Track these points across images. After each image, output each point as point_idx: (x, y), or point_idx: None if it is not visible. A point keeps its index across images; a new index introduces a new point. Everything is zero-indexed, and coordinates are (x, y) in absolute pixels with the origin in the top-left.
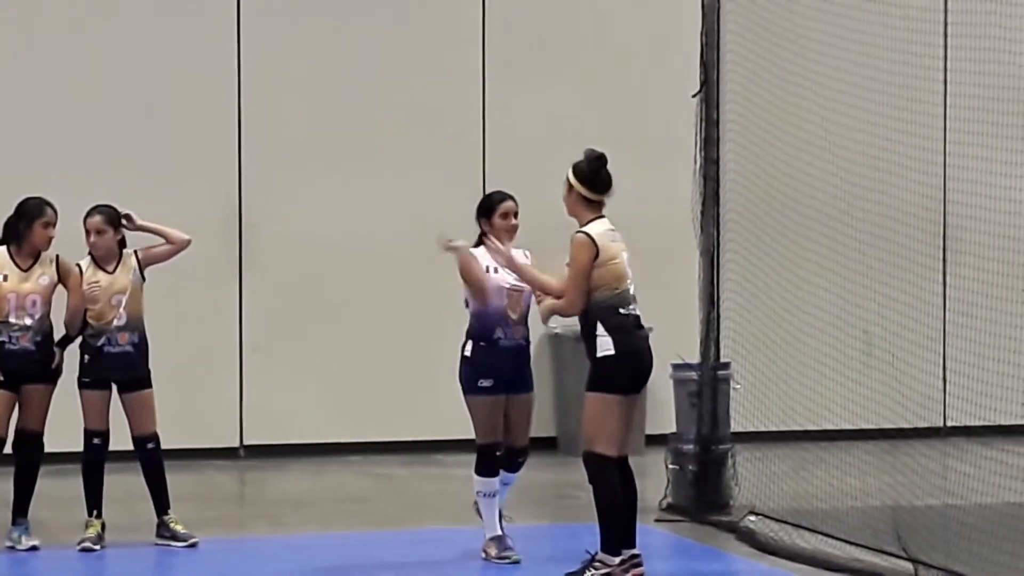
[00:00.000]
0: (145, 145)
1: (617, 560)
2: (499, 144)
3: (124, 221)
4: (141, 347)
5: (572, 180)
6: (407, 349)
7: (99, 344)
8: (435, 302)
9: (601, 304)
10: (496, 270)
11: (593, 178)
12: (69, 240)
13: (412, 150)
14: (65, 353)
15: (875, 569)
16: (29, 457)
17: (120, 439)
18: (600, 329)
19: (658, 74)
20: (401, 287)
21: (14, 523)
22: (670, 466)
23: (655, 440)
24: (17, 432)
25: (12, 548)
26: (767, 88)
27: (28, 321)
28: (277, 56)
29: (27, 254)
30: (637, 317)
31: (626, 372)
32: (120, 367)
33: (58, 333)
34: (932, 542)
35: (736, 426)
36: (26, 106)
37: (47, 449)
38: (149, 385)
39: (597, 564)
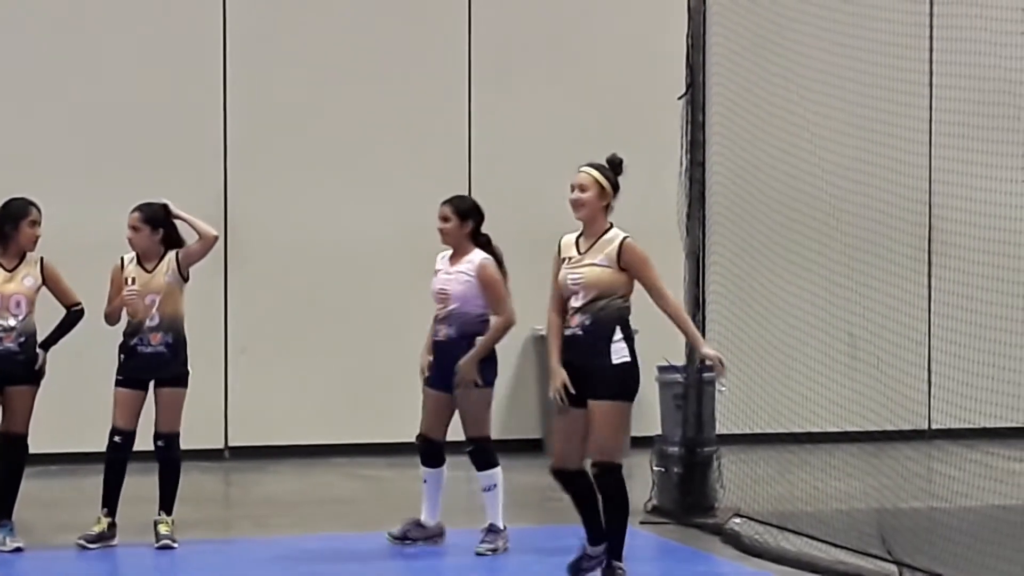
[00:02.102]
0: (129, 146)
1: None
2: (485, 147)
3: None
4: (175, 347)
5: (606, 184)
6: (393, 350)
7: (133, 343)
8: (420, 303)
9: (621, 309)
10: (435, 272)
11: (618, 184)
12: (52, 240)
13: (397, 152)
14: (52, 354)
15: (860, 571)
16: (13, 459)
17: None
18: (618, 334)
19: (644, 77)
20: (386, 288)
21: None
22: (655, 468)
23: (640, 442)
24: (1, 434)
25: None
26: (753, 91)
27: (12, 322)
28: (263, 57)
29: (12, 255)
30: None
31: (637, 380)
32: (152, 367)
33: (41, 334)
34: (917, 544)
35: (721, 428)
36: (8, 106)
37: (32, 450)
38: (182, 384)
39: (620, 571)
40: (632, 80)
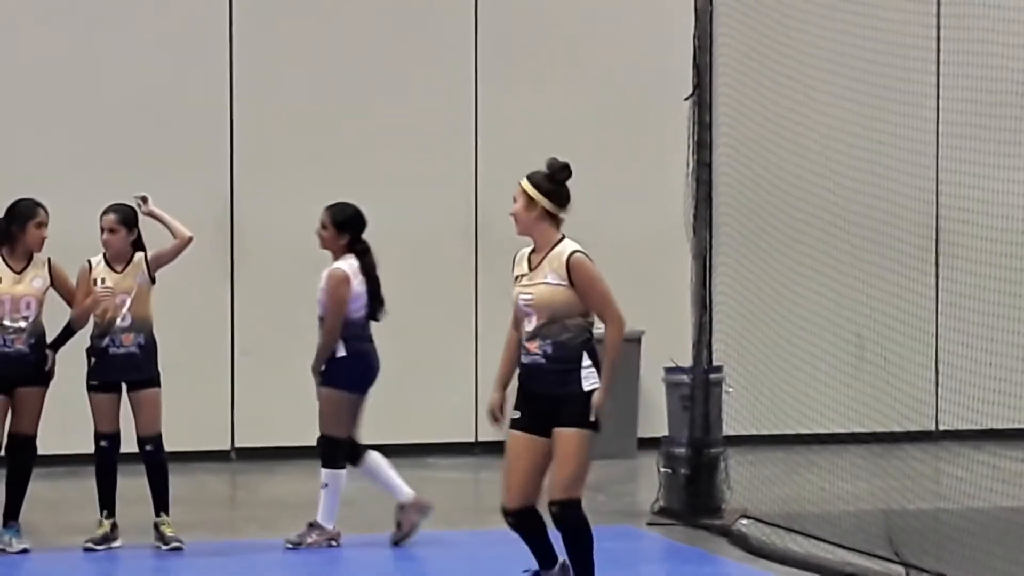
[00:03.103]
0: (135, 147)
1: None
2: (491, 148)
3: (140, 202)
4: (147, 348)
5: (535, 194)
6: (398, 352)
7: (103, 345)
8: (426, 305)
9: (586, 332)
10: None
11: (561, 191)
12: (57, 241)
13: (404, 153)
14: (61, 356)
15: (867, 573)
16: (22, 460)
17: (127, 441)
18: (586, 360)
19: (650, 77)
20: (392, 290)
21: (5, 525)
22: (662, 469)
23: (647, 443)
24: (10, 435)
25: (3, 551)
26: (759, 91)
27: (22, 324)
28: (269, 58)
29: (20, 256)
30: None
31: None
32: (125, 368)
33: (50, 335)
34: (924, 546)
35: (728, 430)
36: (13, 107)
37: (39, 451)
38: (156, 385)
39: None
40: (639, 81)
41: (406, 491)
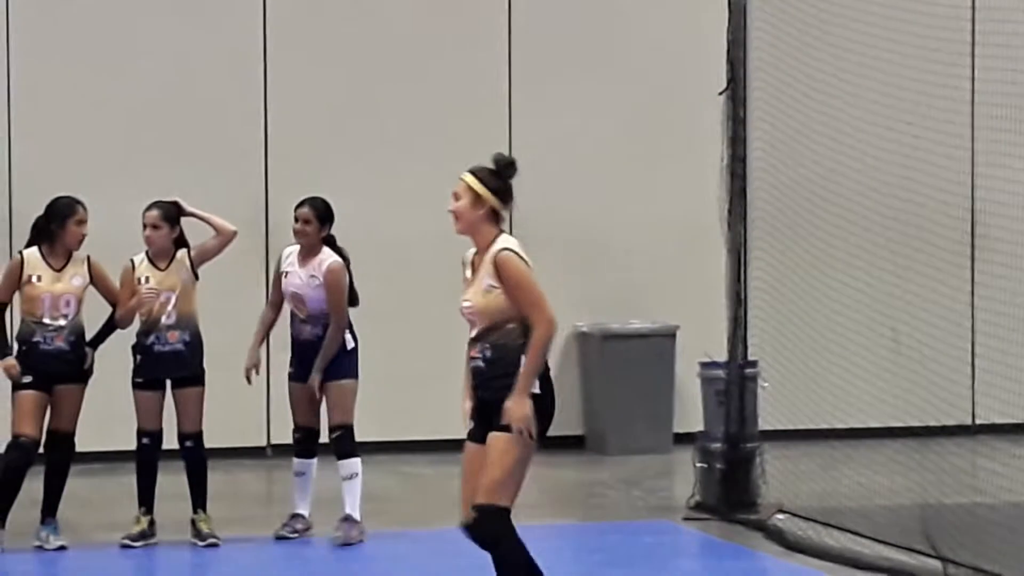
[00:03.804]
0: (170, 145)
1: None
2: (525, 143)
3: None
4: (193, 345)
5: (482, 191)
6: (434, 348)
7: (148, 342)
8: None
9: (522, 335)
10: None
11: (508, 188)
12: (94, 238)
13: (438, 147)
14: (101, 353)
15: (904, 568)
16: (60, 457)
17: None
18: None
19: (685, 71)
20: (428, 285)
21: (43, 522)
22: (698, 464)
23: (683, 438)
24: (49, 432)
25: (40, 547)
26: (794, 85)
27: (62, 322)
28: (303, 54)
29: (59, 254)
30: None
31: (548, 416)
32: (170, 365)
33: (89, 333)
34: (961, 540)
35: (764, 424)
36: (50, 104)
37: (78, 448)
38: (200, 383)
39: None
40: (672, 75)
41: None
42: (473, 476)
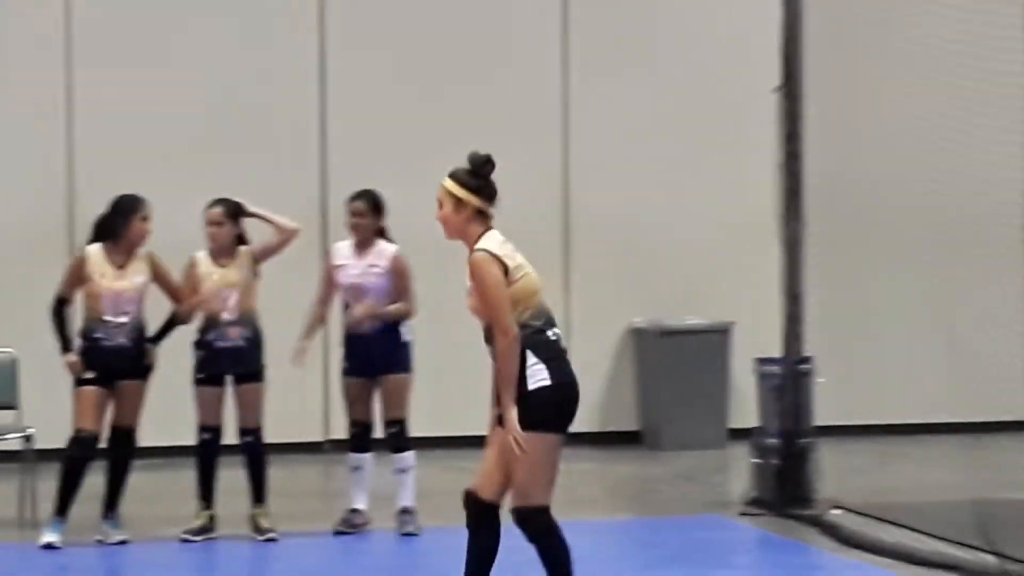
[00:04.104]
0: (229, 143)
1: None
2: (581, 139)
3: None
4: (254, 341)
5: (463, 194)
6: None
7: (210, 339)
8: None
9: (524, 328)
10: (339, 267)
11: (489, 185)
12: (155, 235)
13: (494, 144)
14: (162, 349)
15: (959, 563)
16: (122, 452)
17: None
18: (531, 358)
19: (740, 67)
20: None
21: (104, 517)
22: (753, 460)
23: (738, 434)
24: (111, 428)
25: (101, 542)
26: (850, 82)
27: (124, 318)
28: (361, 51)
29: (122, 251)
30: (560, 339)
31: (566, 405)
32: (231, 361)
33: (151, 329)
34: (1016, 536)
35: (819, 420)
36: (111, 105)
37: (139, 444)
38: (260, 379)
39: None
40: (728, 72)
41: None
42: (488, 452)
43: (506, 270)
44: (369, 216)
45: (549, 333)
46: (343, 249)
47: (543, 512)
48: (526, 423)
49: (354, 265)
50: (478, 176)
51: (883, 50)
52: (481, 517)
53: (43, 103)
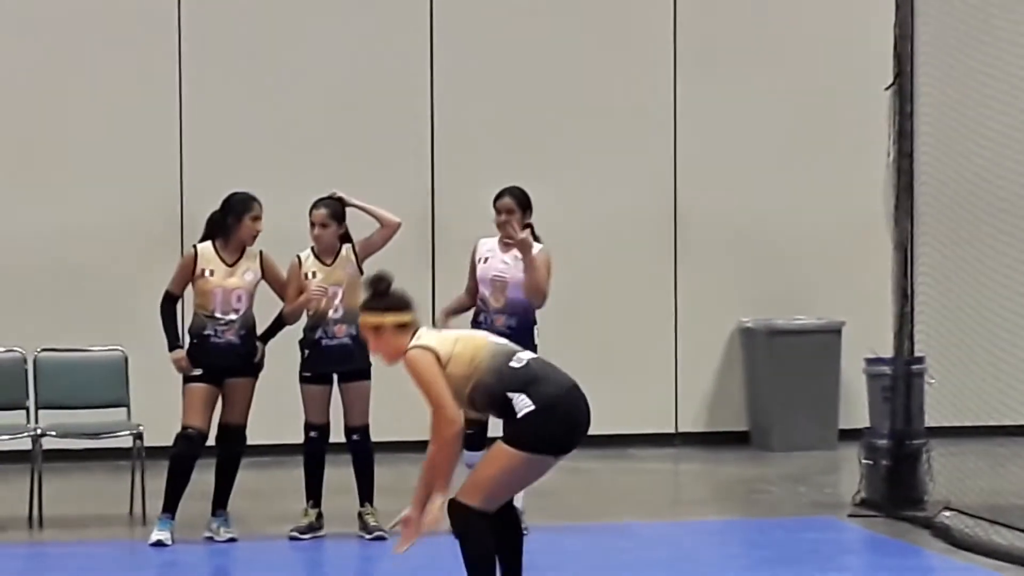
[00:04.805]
0: (338, 142)
1: None
2: (690, 138)
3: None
4: (359, 339)
5: (377, 320)
6: (599, 342)
7: (316, 337)
8: (625, 296)
9: (486, 381)
10: (483, 259)
11: (394, 299)
12: (263, 232)
13: (604, 145)
14: (271, 347)
15: None
16: (231, 450)
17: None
18: (508, 394)
19: (851, 66)
20: (591, 281)
21: (214, 514)
22: (863, 461)
23: (848, 435)
24: (220, 425)
25: (211, 539)
26: (963, 79)
27: (233, 316)
28: (469, 54)
29: (233, 249)
30: (531, 361)
31: (553, 426)
32: (338, 359)
33: (260, 327)
34: None
35: (931, 421)
36: (220, 105)
37: (248, 441)
38: (367, 377)
39: None
40: (839, 70)
41: None
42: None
43: (438, 357)
44: (517, 212)
45: (512, 363)
46: (488, 243)
47: (479, 517)
48: (518, 445)
49: (497, 258)
50: (382, 296)
51: (994, 47)
52: (499, 518)
53: (155, 103)
